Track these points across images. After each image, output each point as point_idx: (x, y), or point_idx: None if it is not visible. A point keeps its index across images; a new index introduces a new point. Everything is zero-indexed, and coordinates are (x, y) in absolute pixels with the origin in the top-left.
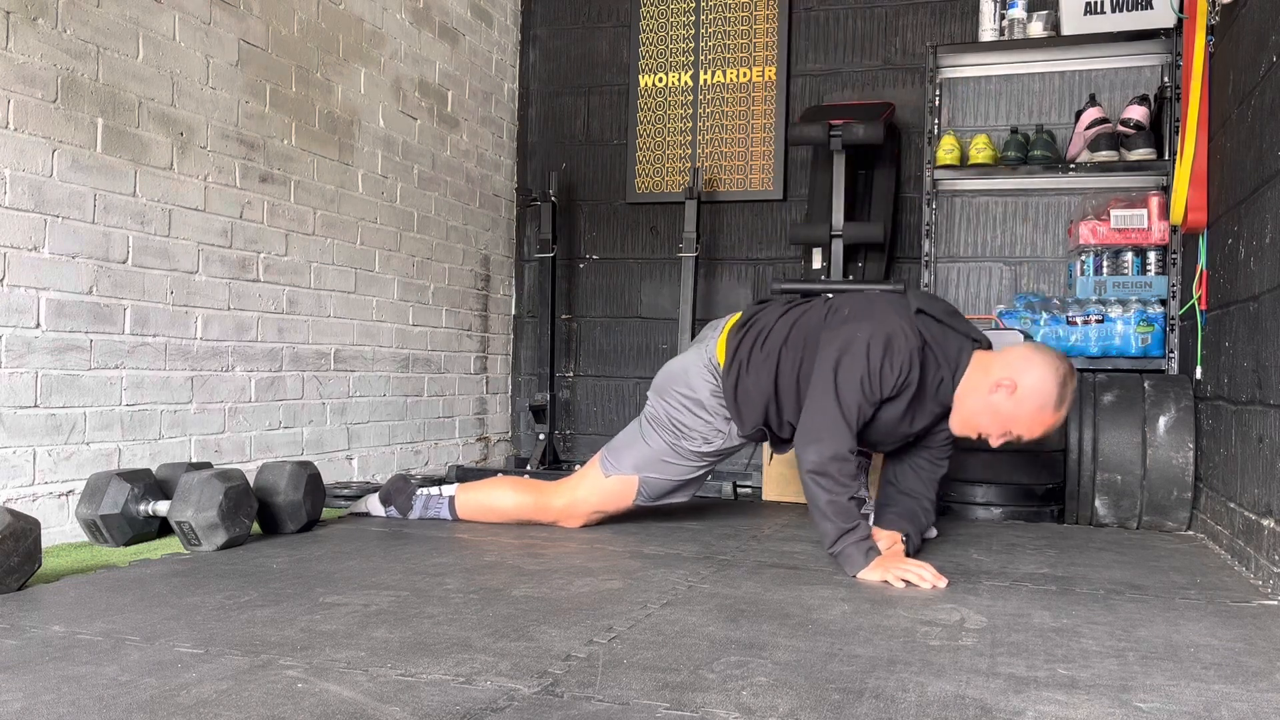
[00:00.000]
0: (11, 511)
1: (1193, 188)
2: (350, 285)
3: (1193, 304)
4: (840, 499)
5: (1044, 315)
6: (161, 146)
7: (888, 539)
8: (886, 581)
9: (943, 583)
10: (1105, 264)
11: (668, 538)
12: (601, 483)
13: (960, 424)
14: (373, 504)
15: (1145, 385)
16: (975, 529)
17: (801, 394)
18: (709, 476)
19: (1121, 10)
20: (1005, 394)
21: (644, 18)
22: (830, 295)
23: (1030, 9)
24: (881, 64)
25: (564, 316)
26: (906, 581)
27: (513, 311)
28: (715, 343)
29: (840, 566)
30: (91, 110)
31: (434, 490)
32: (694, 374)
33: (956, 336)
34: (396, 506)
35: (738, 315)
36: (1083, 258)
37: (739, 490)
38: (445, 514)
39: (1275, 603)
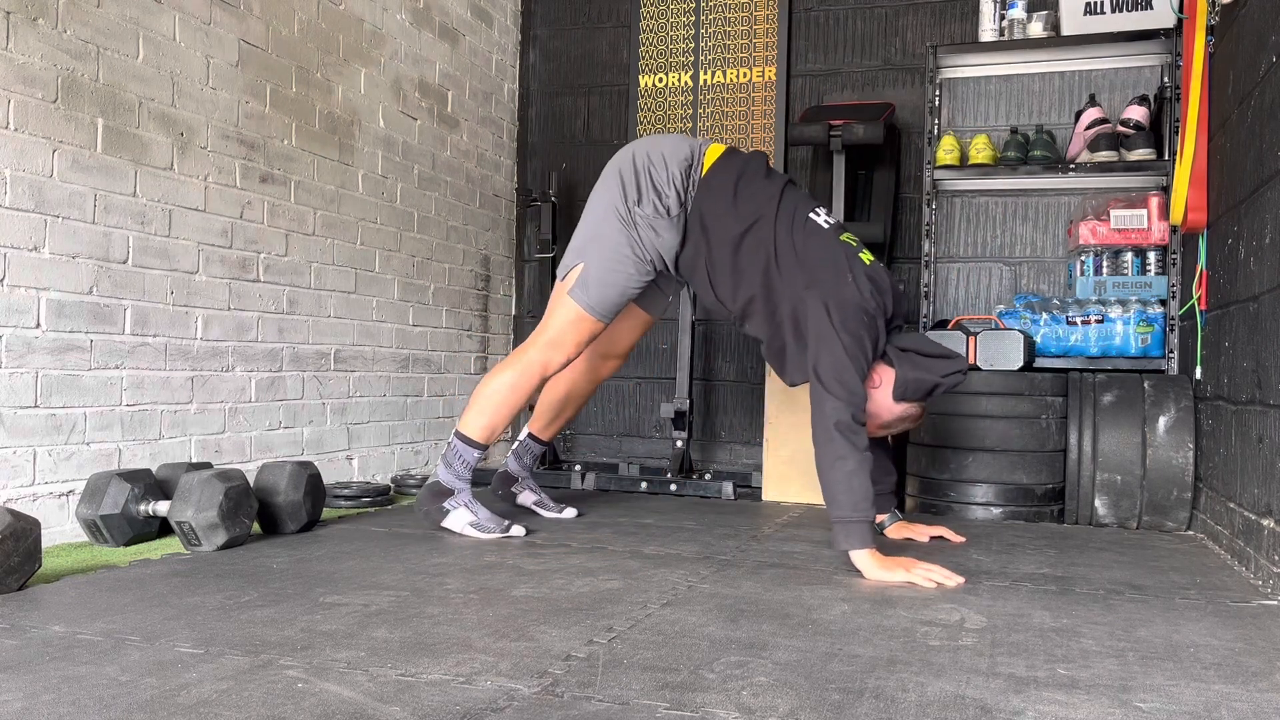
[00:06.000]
0: (11, 511)
1: (1192, 188)
2: (350, 285)
3: (1192, 304)
4: (862, 470)
5: (1044, 315)
6: (162, 146)
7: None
8: (912, 582)
9: (960, 580)
10: (1105, 264)
11: (668, 538)
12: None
13: None
14: (453, 521)
15: (1145, 385)
16: (975, 529)
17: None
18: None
19: (1121, 10)
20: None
21: (644, 18)
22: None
23: (1030, 9)
24: (881, 64)
25: None
26: (932, 580)
27: (513, 311)
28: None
29: (835, 537)
30: (91, 110)
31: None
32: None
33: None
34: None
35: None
36: (1083, 258)
37: (739, 490)
38: (472, 457)
39: (1275, 603)
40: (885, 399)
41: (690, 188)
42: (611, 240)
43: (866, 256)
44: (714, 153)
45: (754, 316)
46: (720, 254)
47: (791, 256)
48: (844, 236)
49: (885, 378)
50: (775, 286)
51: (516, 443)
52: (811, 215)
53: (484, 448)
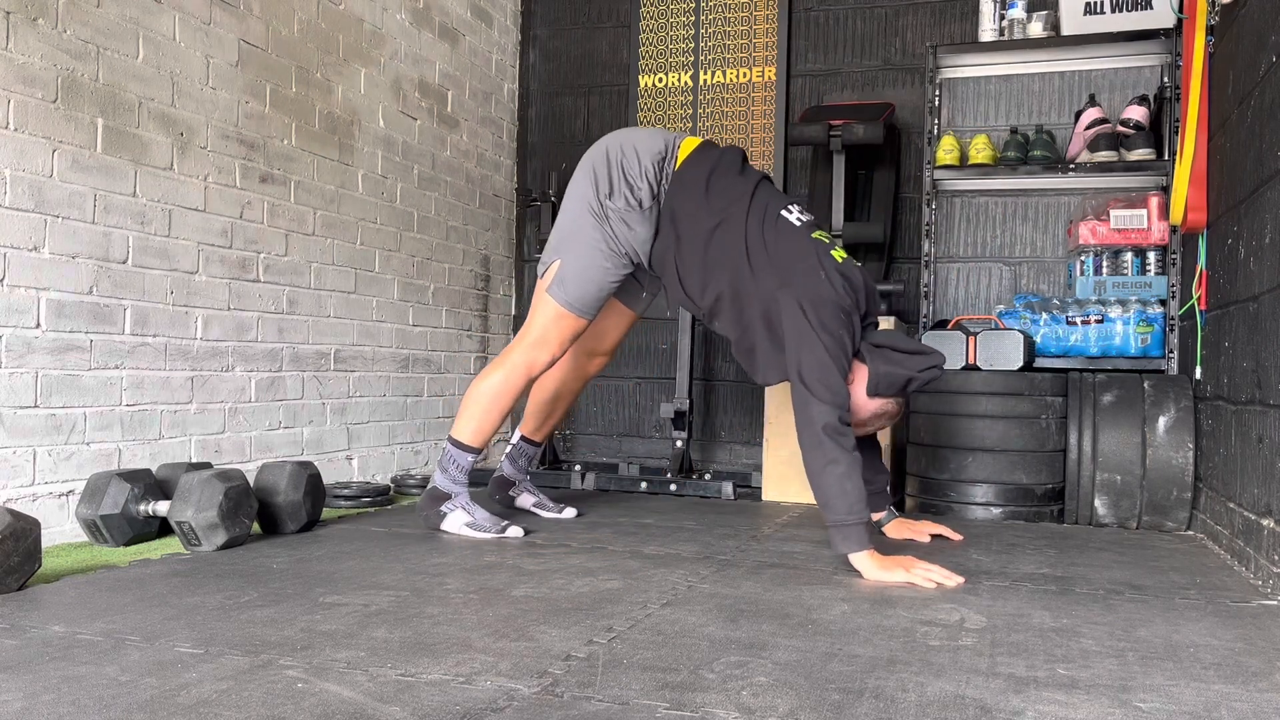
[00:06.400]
0: (11, 511)
1: (1192, 188)
2: (350, 285)
3: (1192, 304)
4: (854, 472)
5: (1044, 315)
6: (161, 146)
7: (907, 527)
8: (911, 582)
9: (960, 580)
10: (1105, 264)
11: (668, 538)
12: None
13: None
14: (450, 523)
15: (1145, 385)
16: (975, 529)
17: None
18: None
19: (1121, 10)
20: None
21: (644, 18)
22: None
23: (1030, 9)
24: (881, 64)
25: None
26: (932, 580)
27: (513, 311)
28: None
29: (833, 540)
30: (91, 110)
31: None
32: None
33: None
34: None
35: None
36: (1082, 258)
37: (739, 490)
38: (466, 461)
39: (1275, 603)
40: (860, 395)
41: (663, 180)
42: (585, 235)
43: (839, 254)
44: (689, 146)
45: (722, 314)
46: (690, 249)
47: (763, 255)
48: (816, 234)
49: (859, 375)
50: (745, 285)
51: (510, 447)
52: (783, 213)
53: (477, 451)
